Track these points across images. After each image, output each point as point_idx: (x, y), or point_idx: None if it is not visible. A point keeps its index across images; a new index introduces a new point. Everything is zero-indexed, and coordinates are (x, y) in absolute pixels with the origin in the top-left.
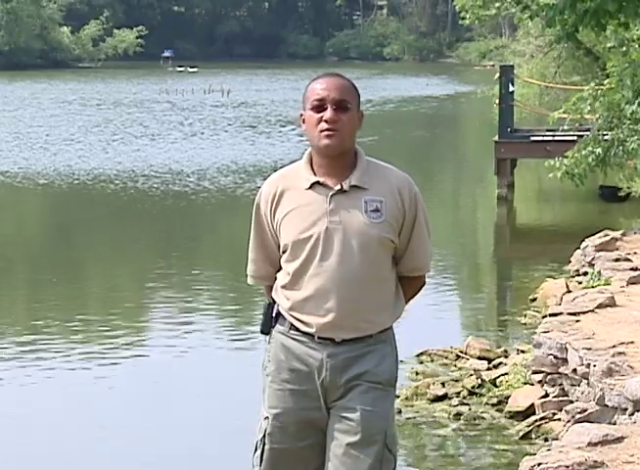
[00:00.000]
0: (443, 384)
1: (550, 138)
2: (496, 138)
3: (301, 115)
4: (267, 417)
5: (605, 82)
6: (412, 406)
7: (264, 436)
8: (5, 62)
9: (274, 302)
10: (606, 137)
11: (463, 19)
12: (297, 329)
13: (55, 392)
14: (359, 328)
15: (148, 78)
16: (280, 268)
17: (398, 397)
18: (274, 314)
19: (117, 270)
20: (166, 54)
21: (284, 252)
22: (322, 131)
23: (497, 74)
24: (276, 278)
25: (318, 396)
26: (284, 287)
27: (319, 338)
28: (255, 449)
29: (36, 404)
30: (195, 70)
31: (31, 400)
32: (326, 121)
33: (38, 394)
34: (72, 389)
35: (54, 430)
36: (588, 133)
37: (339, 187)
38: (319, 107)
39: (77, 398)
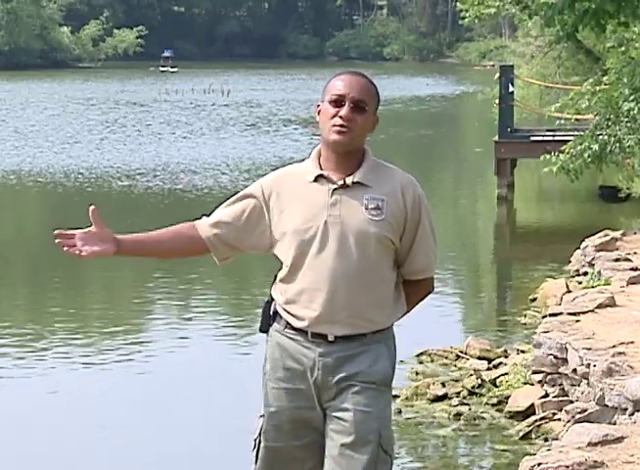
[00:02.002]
0: (443, 384)
1: (550, 138)
2: (496, 138)
3: (318, 105)
4: (263, 415)
5: (604, 79)
6: (412, 406)
7: (260, 434)
8: (5, 62)
9: (272, 299)
10: (603, 134)
11: (463, 18)
12: (292, 327)
13: (55, 392)
14: (353, 325)
15: (129, 79)
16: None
17: (398, 397)
18: (272, 312)
19: (118, 269)
20: (166, 54)
21: (278, 241)
22: (334, 126)
23: (497, 75)
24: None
25: (312, 395)
26: (282, 280)
27: (312, 336)
28: (253, 447)
29: (36, 404)
30: (175, 69)
31: (31, 400)
32: (341, 117)
33: (38, 393)
34: (72, 389)
35: (54, 430)
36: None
37: (342, 182)
38: (337, 102)
39: (77, 398)
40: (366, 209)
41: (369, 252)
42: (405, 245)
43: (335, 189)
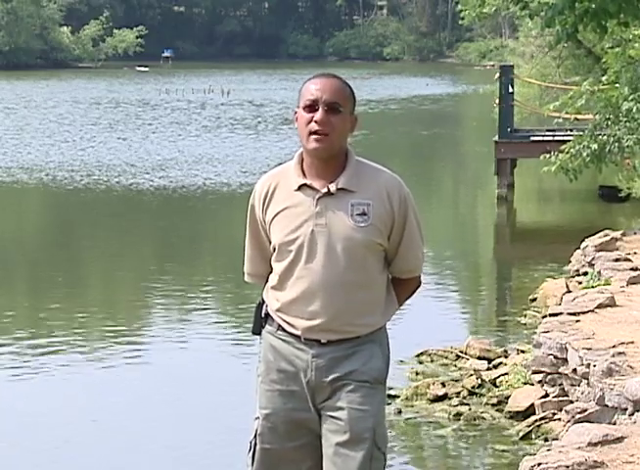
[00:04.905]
0: (443, 384)
1: (550, 138)
2: (496, 138)
3: (295, 112)
4: (258, 417)
5: (603, 79)
6: (412, 406)
7: (255, 436)
8: (5, 62)
9: (264, 302)
10: (602, 134)
11: (462, 18)
12: (285, 330)
13: (54, 391)
14: (345, 331)
15: (108, 79)
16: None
17: (398, 397)
18: (263, 315)
19: (118, 269)
20: (166, 54)
21: (273, 252)
22: (311, 133)
23: (497, 75)
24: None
25: (305, 396)
26: (273, 288)
27: (305, 339)
28: (249, 449)
29: (36, 403)
30: (146, 69)
31: (32, 399)
32: (316, 122)
33: (37, 392)
34: (72, 387)
35: (53, 429)
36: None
37: (325, 190)
38: (311, 107)
39: (77, 396)
40: (352, 215)
41: (357, 258)
42: (393, 245)
43: (319, 197)
